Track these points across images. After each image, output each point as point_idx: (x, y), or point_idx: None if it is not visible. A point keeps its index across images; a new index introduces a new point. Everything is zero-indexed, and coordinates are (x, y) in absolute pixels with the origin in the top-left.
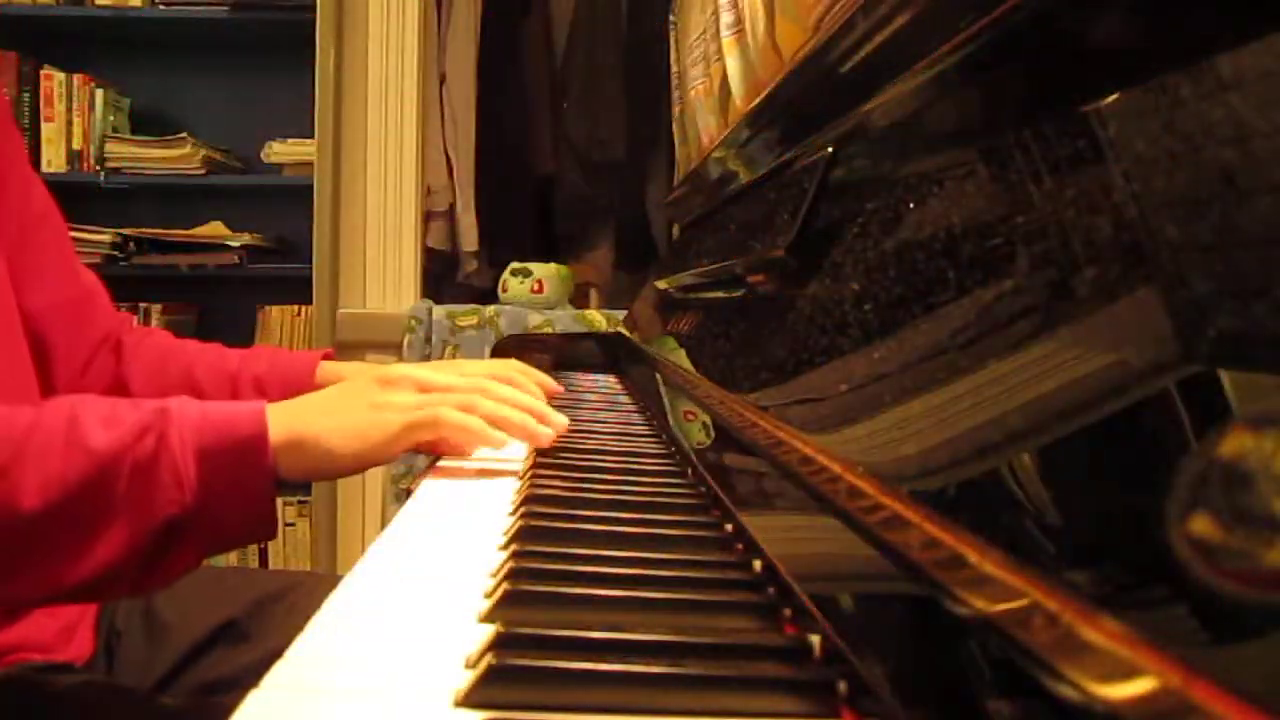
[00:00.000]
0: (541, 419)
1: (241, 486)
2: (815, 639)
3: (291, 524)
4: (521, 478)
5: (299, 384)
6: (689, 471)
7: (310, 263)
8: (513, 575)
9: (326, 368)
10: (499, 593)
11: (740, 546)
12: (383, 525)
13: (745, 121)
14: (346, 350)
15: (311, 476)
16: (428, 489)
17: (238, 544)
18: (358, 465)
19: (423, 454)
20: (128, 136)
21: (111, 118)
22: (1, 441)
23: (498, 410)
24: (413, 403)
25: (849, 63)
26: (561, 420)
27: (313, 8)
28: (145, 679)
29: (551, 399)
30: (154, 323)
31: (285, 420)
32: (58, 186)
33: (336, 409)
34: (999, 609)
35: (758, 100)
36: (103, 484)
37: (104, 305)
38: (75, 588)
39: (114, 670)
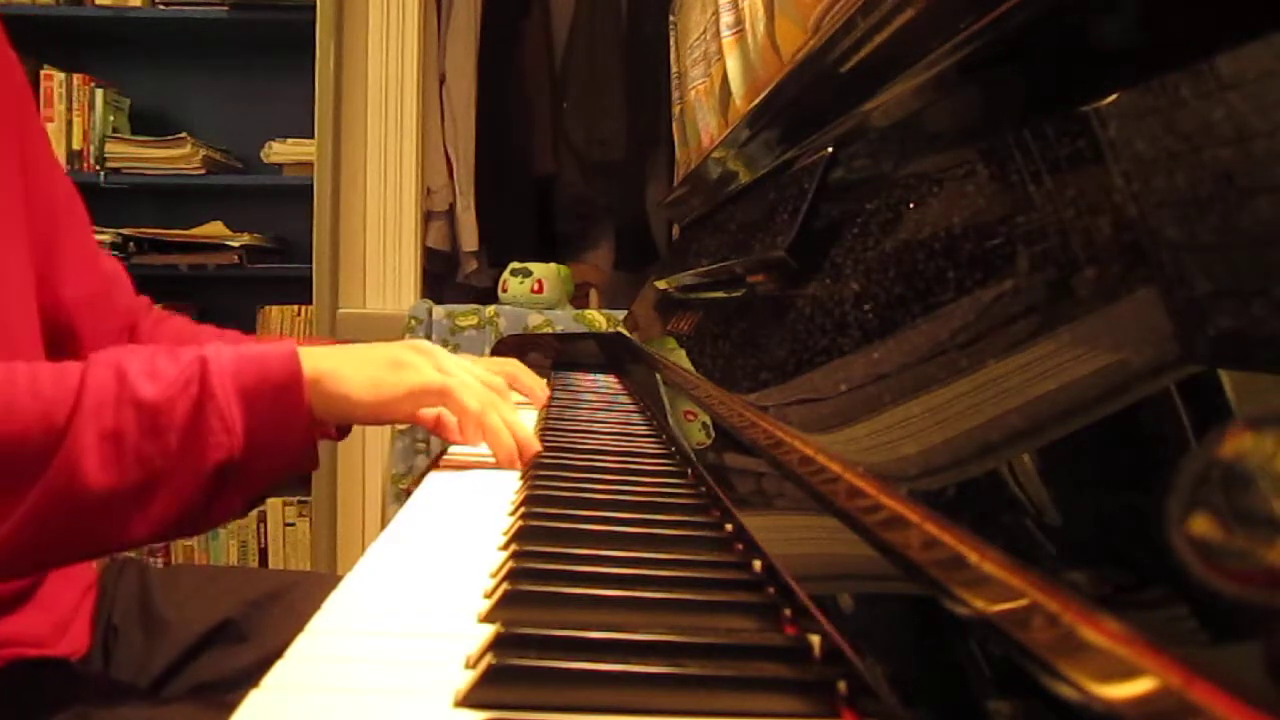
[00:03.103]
0: (525, 447)
1: (283, 424)
2: (815, 639)
3: (291, 524)
4: (522, 478)
5: None
6: (689, 471)
7: (310, 263)
8: (513, 575)
9: None
10: (499, 593)
11: (740, 546)
12: (383, 525)
13: (745, 121)
14: None
15: (326, 417)
16: (427, 489)
17: (281, 481)
18: (368, 414)
19: (422, 454)
20: (128, 136)
21: (111, 118)
22: (57, 402)
23: (494, 422)
24: (429, 372)
25: (849, 63)
26: (535, 449)
27: (313, 8)
28: (142, 676)
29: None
30: None
31: (311, 360)
32: None
33: (359, 359)
34: (999, 609)
35: (758, 100)
36: (156, 436)
37: (125, 291)
38: (137, 540)
39: (111, 667)
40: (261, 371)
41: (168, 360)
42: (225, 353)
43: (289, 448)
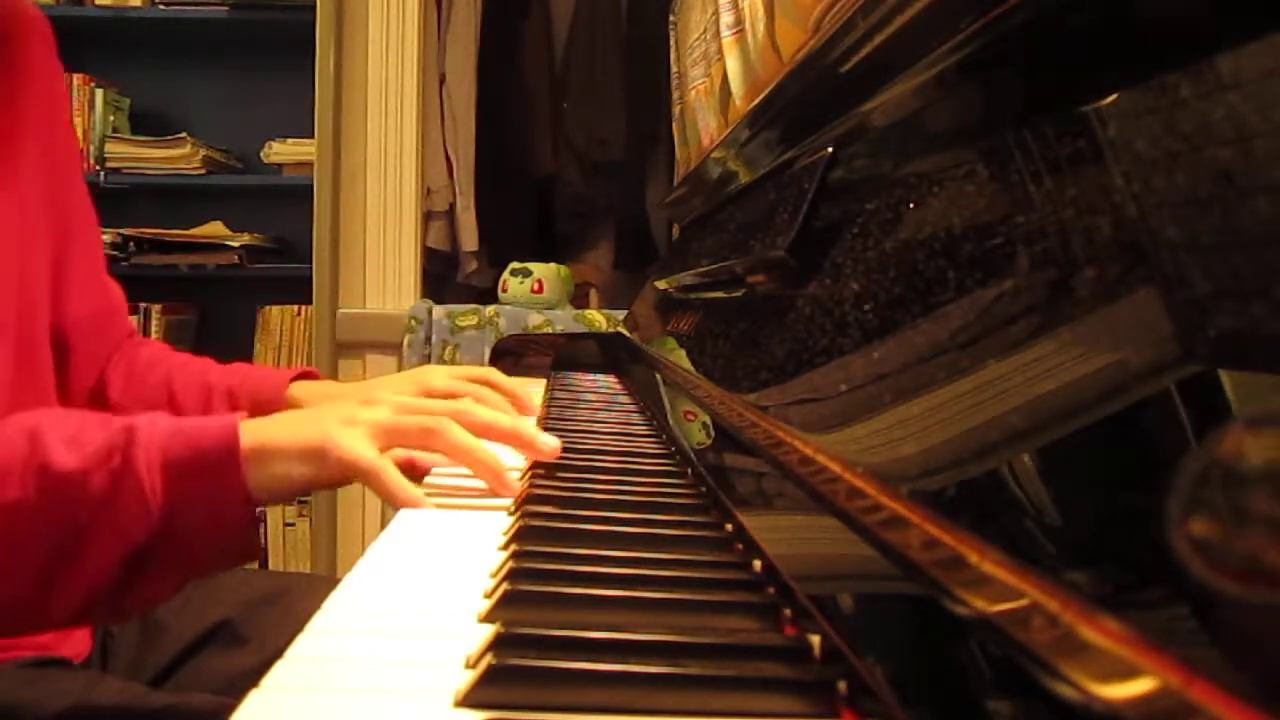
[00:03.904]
0: (528, 444)
1: (213, 501)
2: (815, 639)
3: (291, 524)
4: (521, 478)
5: (270, 399)
6: (689, 471)
7: (310, 263)
8: (512, 575)
9: (298, 387)
10: (499, 593)
11: (740, 546)
12: (383, 526)
13: (745, 121)
14: (347, 350)
15: (273, 492)
16: (427, 489)
17: (217, 566)
18: (308, 478)
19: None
20: (128, 136)
21: (111, 118)
22: None
23: (464, 441)
24: (383, 420)
25: (849, 63)
26: (551, 444)
27: (313, 8)
28: (139, 678)
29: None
30: (154, 323)
31: (253, 431)
32: None
33: (301, 420)
34: (999, 609)
35: (758, 100)
36: (63, 508)
37: (122, 318)
38: (54, 621)
39: (109, 668)
40: (193, 444)
41: (96, 428)
42: (161, 422)
43: (221, 528)
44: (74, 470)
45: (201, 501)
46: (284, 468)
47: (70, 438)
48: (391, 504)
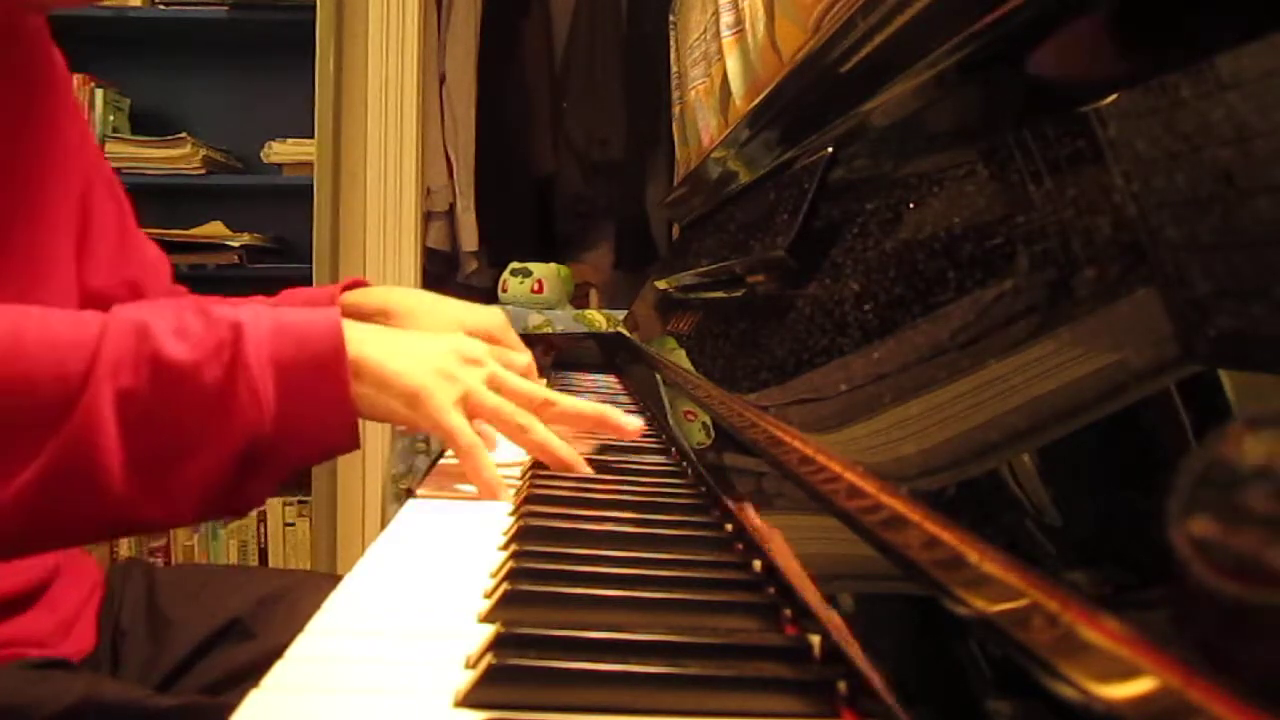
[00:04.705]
0: (616, 427)
1: (320, 403)
2: (815, 639)
3: (291, 524)
4: (521, 478)
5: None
6: (689, 471)
7: (310, 263)
8: (512, 575)
9: (348, 298)
10: (499, 593)
11: (740, 546)
12: (383, 525)
13: (745, 121)
14: None
15: (369, 411)
16: (428, 488)
17: (316, 462)
18: (403, 420)
19: (422, 454)
20: (128, 136)
21: (111, 118)
22: (74, 349)
23: (548, 441)
24: (478, 392)
25: (849, 63)
26: (636, 423)
27: (313, 8)
28: (150, 678)
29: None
30: None
31: (355, 337)
32: None
33: (406, 352)
34: (999, 609)
35: (758, 100)
36: (179, 402)
37: (164, 276)
38: (153, 522)
39: (119, 669)
40: (300, 343)
41: (197, 318)
42: (264, 317)
43: (324, 428)
44: (186, 362)
45: (310, 401)
46: (382, 396)
47: (177, 329)
48: (473, 483)
